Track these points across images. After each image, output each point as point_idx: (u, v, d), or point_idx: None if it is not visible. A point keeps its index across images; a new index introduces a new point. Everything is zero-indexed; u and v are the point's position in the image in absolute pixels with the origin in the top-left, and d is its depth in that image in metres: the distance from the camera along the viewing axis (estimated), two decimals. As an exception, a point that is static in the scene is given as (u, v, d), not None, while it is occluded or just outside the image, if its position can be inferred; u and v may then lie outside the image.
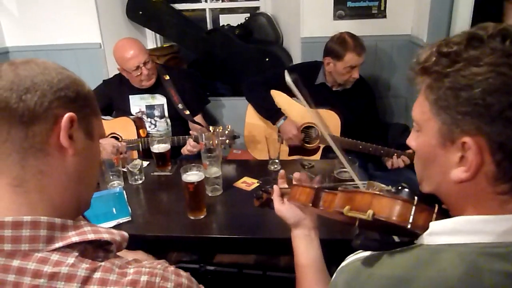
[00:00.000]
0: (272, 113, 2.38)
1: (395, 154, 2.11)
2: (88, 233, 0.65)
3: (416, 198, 0.66)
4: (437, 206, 0.67)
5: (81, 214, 0.77)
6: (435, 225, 0.63)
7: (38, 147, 0.64)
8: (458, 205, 0.64)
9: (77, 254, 0.62)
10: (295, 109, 2.41)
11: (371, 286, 0.64)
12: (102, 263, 0.63)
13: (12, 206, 0.63)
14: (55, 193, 0.67)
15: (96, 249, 0.67)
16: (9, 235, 0.60)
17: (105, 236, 0.67)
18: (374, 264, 0.66)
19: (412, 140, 0.71)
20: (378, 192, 0.69)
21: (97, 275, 0.61)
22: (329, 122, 2.37)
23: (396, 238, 0.74)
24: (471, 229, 0.60)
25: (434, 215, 0.66)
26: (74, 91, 0.68)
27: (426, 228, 0.64)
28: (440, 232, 0.62)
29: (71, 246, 0.63)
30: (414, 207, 0.65)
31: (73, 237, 0.64)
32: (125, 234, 0.72)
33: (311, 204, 0.89)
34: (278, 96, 2.44)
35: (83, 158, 0.70)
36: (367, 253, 0.69)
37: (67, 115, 0.65)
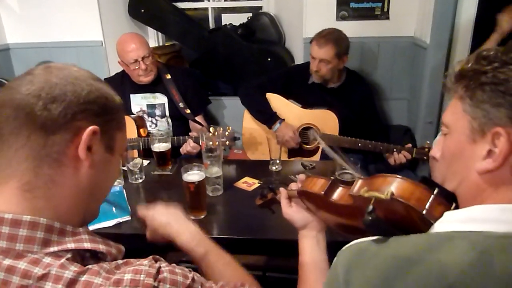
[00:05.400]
0: (268, 117, 2.36)
1: (395, 150, 2.07)
2: (84, 242, 0.66)
3: (436, 189, 0.68)
4: (454, 204, 0.68)
5: (86, 224, 0.76)
6: (449, 214, 0.64)
7: (54, 157, 0.64)
8: (476, 200, 0.64)
9: (69, 256, 0.62)
10: (291, 111, 2.40)
11: (374, 265, 0.61)
12: (90, 266, 0.63)
13: (16, 209, 0.63)
14: (62, 202, 0.67)
15: (89, 257, 0.67)
16: (6, 232, 0.60)
17: (101, 247, 0.67)
18: (380, 244, 0.64)
19: (437, 150, 0.74)
20: (401, 177, 0.69)
21: (83, 277, 0.61)
22: (327, 121, 2.35)
23: None
24: (486, 218, 0.60)
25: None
26: (101, 105, 0.68)
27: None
28: (453, 220, 0.63)
29: (65, 251, 0.63)
30: (432, 196, 0.67)
31: (69, 243, 0.64)
32: (122, 247, 0.73)
33: (323, 193, 0.87)
34: (274, 99, 2.42)
35: (99, 171, 0.70)
36: (373, 238, 0.68)
37: (90, 128, 0.65)
